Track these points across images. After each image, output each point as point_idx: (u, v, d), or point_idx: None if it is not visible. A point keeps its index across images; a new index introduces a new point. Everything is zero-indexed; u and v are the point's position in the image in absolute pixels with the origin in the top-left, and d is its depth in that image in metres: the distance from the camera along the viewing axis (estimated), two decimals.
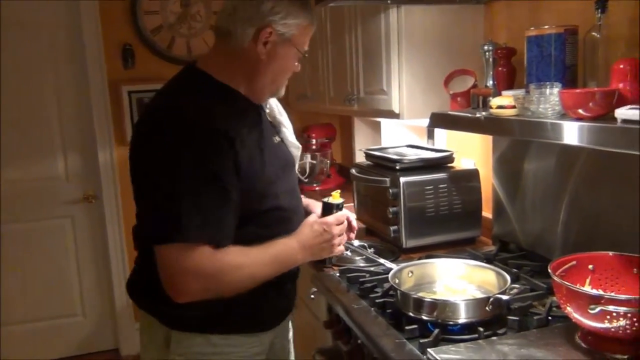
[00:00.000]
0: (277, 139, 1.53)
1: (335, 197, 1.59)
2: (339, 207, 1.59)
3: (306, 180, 3.12)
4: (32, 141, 3.25)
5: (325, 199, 1.60)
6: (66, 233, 3.37)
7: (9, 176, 3.22)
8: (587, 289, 1.35)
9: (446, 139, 2.45)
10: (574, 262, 1.40)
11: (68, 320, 3.43)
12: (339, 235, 1.55)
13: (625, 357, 1.18)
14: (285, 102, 3.30)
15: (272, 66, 1.39)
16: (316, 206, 1.68)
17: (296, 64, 1.45)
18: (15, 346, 3.32)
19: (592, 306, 1.16)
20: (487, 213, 2.08)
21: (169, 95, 1.40)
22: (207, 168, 1.25)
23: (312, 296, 1.83)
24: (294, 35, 1.38)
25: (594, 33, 1.40)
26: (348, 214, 1.65)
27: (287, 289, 1.53)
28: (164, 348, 1.40)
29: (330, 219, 1.53)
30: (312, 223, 1.51)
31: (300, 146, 1.64)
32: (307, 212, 1.62)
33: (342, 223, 1.57)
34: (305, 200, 1.68)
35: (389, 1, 1.97)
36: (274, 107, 1.59)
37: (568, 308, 1.20)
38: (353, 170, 2.26)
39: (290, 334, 1.68)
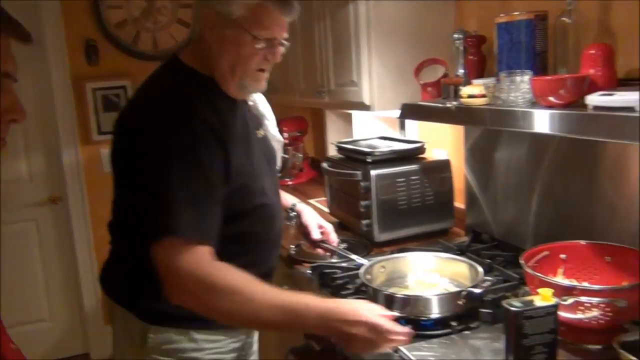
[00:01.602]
0: (261, 132, 1.47)
1: (545, 297, 1.08)
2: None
3: (279, 175, 3.06)
4: None
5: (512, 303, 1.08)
6: (31, 237, 3.25)
7: None
8: (560, 279, 1.34)
9: (418, 130, 2.42)
10: (547, 252, 1.39)
11: (35, 326, 3.31)
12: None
13: (599, 347, 1.17)
14: None
15: (225, 53, 1.29)
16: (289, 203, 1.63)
17: (270, 53, 1.33)
18: None
19: (564, 297, 1.14)
20: (460, 204, 2.05)
21: (153, 90, 1.33)
22: (196, 161, 1.20)
23: None
24: (240, 16, 1.26)
25: (564, 18, 1.37)
26: (326, 224, 1.64)
27: None
28: (140, 343, 1.33)
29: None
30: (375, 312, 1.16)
31: (282, 139, 1.59)
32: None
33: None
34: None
35: None
36: (257, 99, 1.53)
37: None
38: (324, 164, 2.22)
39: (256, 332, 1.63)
